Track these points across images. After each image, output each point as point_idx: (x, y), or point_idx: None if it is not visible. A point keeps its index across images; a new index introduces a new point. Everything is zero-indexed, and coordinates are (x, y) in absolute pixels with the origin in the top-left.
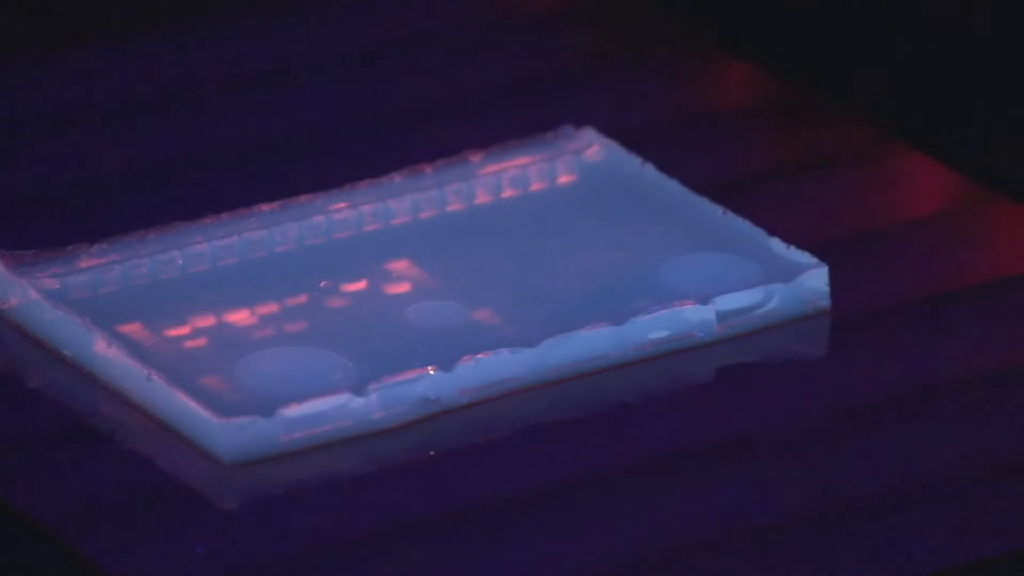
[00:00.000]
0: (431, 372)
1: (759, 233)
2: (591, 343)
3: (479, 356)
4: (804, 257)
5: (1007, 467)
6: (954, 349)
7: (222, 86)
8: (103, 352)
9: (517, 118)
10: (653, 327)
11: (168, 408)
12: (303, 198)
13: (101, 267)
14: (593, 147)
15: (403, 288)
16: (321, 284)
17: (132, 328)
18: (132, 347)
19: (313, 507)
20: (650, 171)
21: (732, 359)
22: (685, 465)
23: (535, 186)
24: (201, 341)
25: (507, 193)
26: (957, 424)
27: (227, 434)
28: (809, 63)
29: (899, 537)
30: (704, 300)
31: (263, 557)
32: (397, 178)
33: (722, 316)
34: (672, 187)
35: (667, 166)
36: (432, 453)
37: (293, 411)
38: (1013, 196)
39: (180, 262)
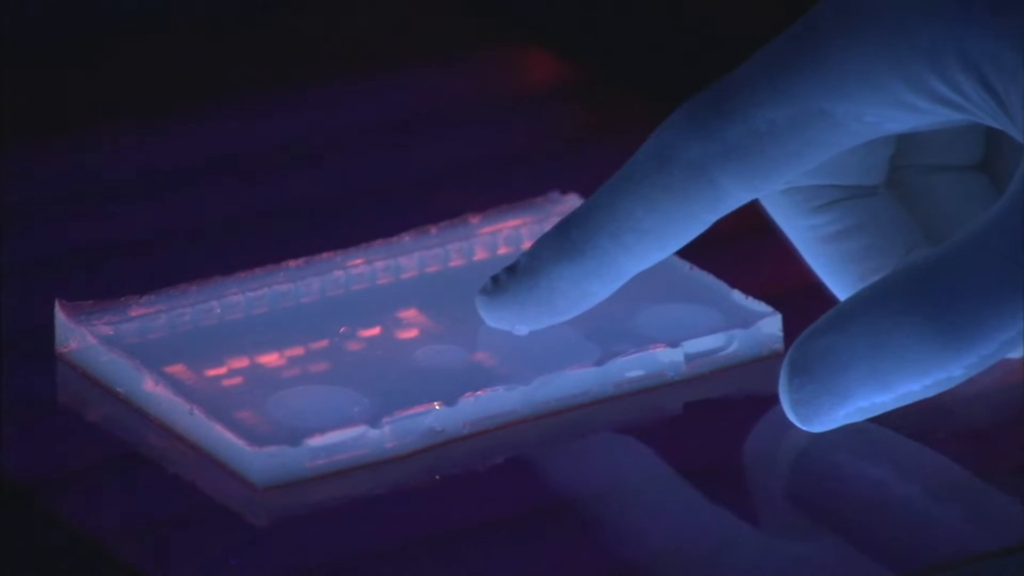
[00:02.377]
0: (437, 407)
1: (721, 286)
2: (576, 381)
3: (479, 393)
4: (760, 306)
5: (950, 485)
6: None
7: (253, 159)
8: (151, 390)
9: (510, 185)
10: (630, 367)
11: (208, 438)
12: (325, 255)
13: (149, 315)
14: None
15: (412, 334)
16: (341, 330)
17: (176, 369)
18: (176, 385)
19: (334, 525)
20: None
21: (698, 395)
22: (659, 489)
23: (526, 244)
24: (237, 380)
25: (502, 250)
26: (898, 449)
27: (259, 461)
28: None
29: (867, 547)
30: (674, 344)
31: (290, 569)
32: (406, 238)
33: (690, 358)
34: None
35: None
36: (438, 478)
37: (317, 441)
38: None
39: (218, 311)
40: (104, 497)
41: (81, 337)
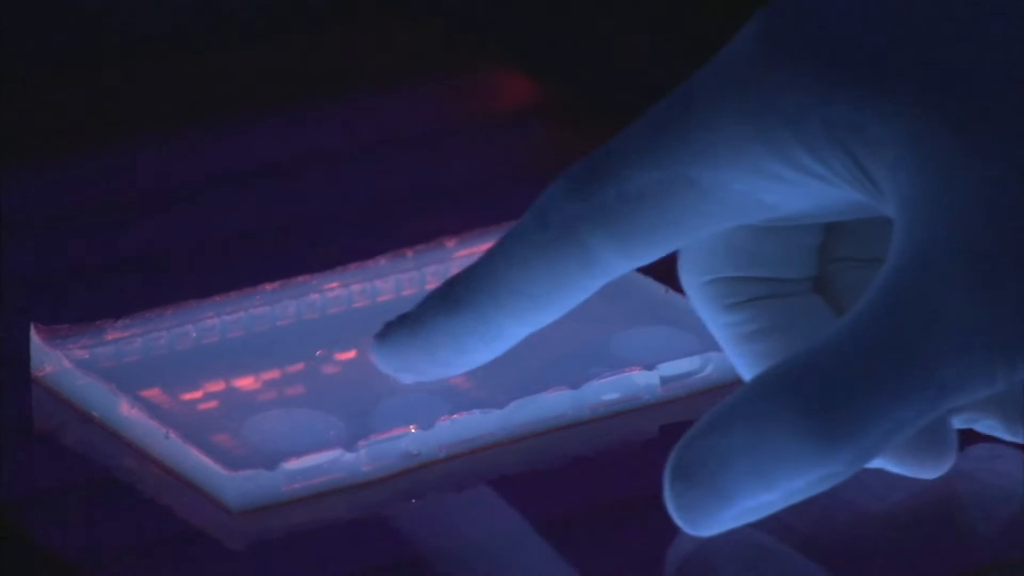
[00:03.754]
0: (413, 430)
1: None
2: (552, 404)
3: (455, 416)
4: None
5: (920, 508)
6: None
7: (227, 182)
8: (127, 413)
9: (486, 208)
10: (605, 390)
11: (184, 462)
12: (300, 279)
13: (125, 339)
14: None
15: None
16: (317, 353)
17: (152, 393)
18: (152, 409)
19: (310, 549)
20: None
21: (674, 418)
22: (635, 510)
23: None
24: (212, 404)
25: None
26: (870, 469)
27: (235, 485)
28: None
29: (842, 568)
30: (649, 367)
31: None
32: (382, 261)
33: (665, 381)
34: None
35: None
36: (414, 501)
37: (293, 465)
38: None
39: (194, 335)
40: (79, 521)
41: (56, 361)
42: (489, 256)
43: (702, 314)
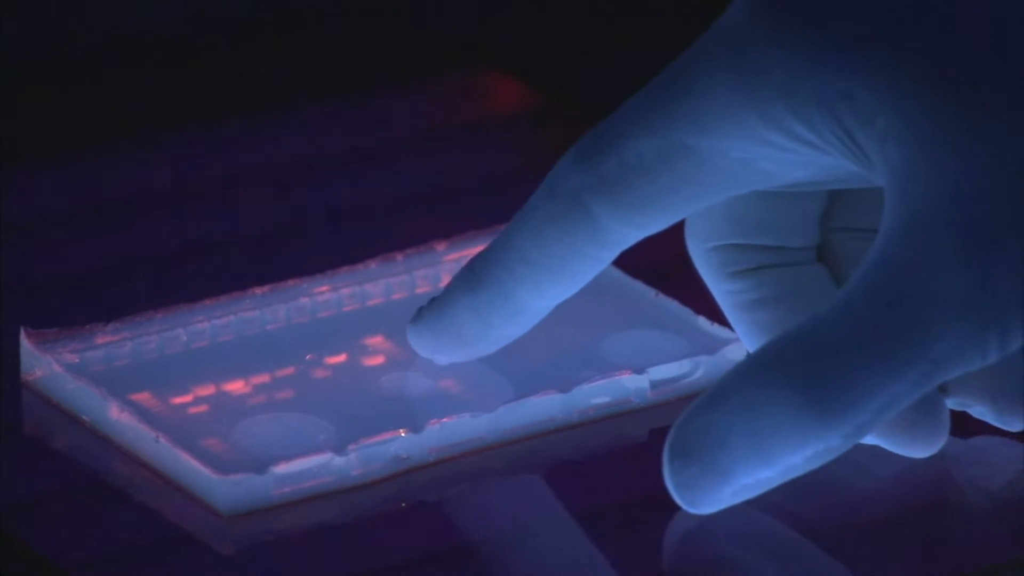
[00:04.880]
0: (402, 434)
1: (687, 312)
2: (541, 408)
3: (444, 420)
4: (726, 333)
5: (898, 515)
6: None
7: (218, 186)
8: (117, 417)
9: (476, 212)
10: (595, 394)
11: (174, 466)
12: (290, 282)
13: (115, 343)
14: None
15: (378, 360)
16: (307, 357)
17: (142, 396)
18: (142, 413)
19: (300, 553)
20: None
21: (663, 422)
22: (624, 514)
23: None
24: (202, 408)
25: None
26: (860, 470)
27: (225, 489)
28: None
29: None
30: (639, 371)
31: None
32: (372, 264)
33: (655, 384)
34: (611, 272)
35: None
36: (404, 505)
37: (283, 468)
38: None
39: (184, 339)
40: (69, 525)
41: (46, 365)
42: (505, 231)
43: (706, 280)
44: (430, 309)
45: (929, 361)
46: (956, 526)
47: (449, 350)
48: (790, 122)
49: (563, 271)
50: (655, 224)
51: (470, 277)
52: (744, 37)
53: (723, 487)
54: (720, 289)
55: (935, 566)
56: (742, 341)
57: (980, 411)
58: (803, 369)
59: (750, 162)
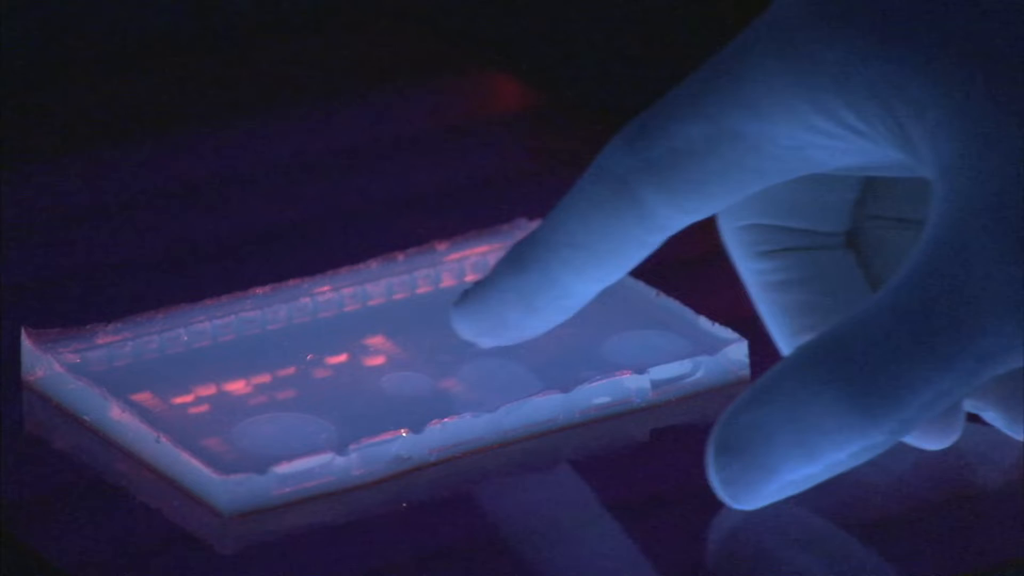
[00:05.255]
0: (404, 434)
1: (688, 312)
2: (542, 408)
3: (445, 420)
4: (727, 333)
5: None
6: None
7: (218, 186)
8: (118, 417)
9: (477, 212)
10: (596, 394)
11: (174, 466)
12: (291, 282)
13: (115, 343)
14: None
15: (379, 361)
16: (308, 357)
17: (143, 396)
18: (143, 413)
19: (301, 553)
20: None
21: (664, 422)
22: (624, 515)
23: None
24: (203, 407)
25: (469, 277)
26: (860, 471)
27: (226, 489)
28: None
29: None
30: (640, 370)
31: None
32: (373, 264)
33: (656, 384)
34: None
35: None
36: (404, 505)
37: (284, 468)
38: None
39: (185, 338)
40: (70, 525)
41: (47, 365)
42: (552, 214)
43: (734, 258)
44: (474, 292)
45: (975, 357)
46: (993, 514)
47: (492, 333)
48: (841, 111)
49: (609, 255)
50: (702, 210)
51: (515, 260)
52: (797, 25)
53: (767, 483)
54: (747, 268)
55: (976, 557)
56: (765, 321)
57: (992, 416)
58: (848, 365)
59: (799, 149)
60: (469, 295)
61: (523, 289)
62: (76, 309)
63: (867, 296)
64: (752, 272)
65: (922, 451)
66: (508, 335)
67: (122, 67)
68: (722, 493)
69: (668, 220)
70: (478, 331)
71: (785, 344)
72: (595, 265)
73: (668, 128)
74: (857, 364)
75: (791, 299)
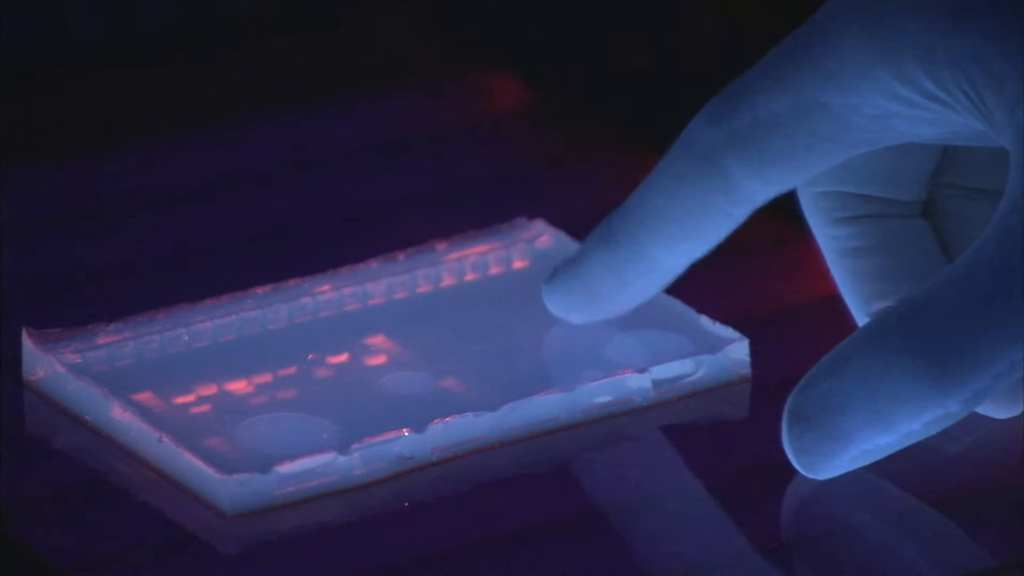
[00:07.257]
0: (405, 433)
1: (689, 311)
2: (544, 407)
3: (447, 419)
4: (728, 332)
5: (907, 512)
6: None
7: (219, 186)
8: (119, 417)
9: (477, 211)
10: (598, 393)
11: (176, 466)
12: (292, 282)
13: (117, 343)
14: (543, 236)
15: (380, 360)
16: (309, 357)
17: (144, 396)
18: (145, 413)
19: (304, 552)
20: None
21: (666, 420)
22: (627, 513)
23: (493, 270)
24: (205, 407)
25: (469, 277)
26: (861, 472)
27: (228, 488)
28: None
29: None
30: (641, 370)
31: None
32: (373, 264)
33: (657, 383)
34: None
35: None
36: (407, 504)
37: (286, 468)
38: None
39: (186, 338)
40: (70, 525)
41: (48, 365)
42: (641, 188)
43: (811, 224)
44: (565, 268)
45: None
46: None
47: (583, 308)
48: (923, 80)
49: (695, 227)
50: (787, 181)
51: (606, 233)
52: None
53: (841, 453)
54: (823, 233)
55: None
56: (839, 286)
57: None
58: (923, 334)
59: (882, 119)
60: (559, 271)
61: (613, 262)
62: (77, 309)
63: (941, 265)
64: (828, 238)
65: (935, 450)
66: (599, 310)
67: (121, 67)
68: (796, 462)
69: (754, 192)
70: (569, 307)
71: (857, 310)
72: (682, 237)
73: (753, 100)
74: (932, 334)
75: (865, 266)
